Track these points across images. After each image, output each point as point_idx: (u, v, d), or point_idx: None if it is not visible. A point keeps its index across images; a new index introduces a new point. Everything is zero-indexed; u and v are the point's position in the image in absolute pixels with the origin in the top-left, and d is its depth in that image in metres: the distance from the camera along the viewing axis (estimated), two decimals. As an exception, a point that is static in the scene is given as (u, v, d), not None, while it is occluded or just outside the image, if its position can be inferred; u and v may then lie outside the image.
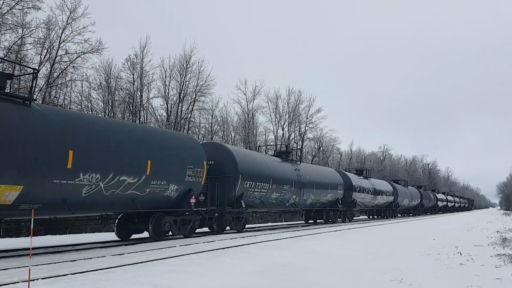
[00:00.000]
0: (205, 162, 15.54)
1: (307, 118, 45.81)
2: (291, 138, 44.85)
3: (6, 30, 20.68)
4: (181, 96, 31.10)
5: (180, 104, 31.11)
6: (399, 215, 46.79)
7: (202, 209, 15.85)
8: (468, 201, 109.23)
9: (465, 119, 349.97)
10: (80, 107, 26.41)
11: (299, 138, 45.92)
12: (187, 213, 15.15)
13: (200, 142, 20.58)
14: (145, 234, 14.83)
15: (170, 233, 14.70)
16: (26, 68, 20.22)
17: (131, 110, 28.58)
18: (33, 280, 6.44)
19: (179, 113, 30.83)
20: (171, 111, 30.70)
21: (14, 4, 20.37)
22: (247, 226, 20.32)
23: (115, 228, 14.58)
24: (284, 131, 44.10)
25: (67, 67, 23.90)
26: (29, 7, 20.81)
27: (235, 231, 18.36)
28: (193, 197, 14.99)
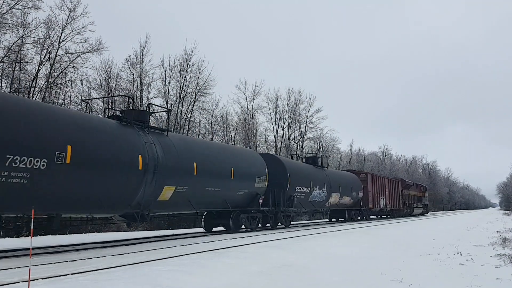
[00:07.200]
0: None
1: (307, 118, 45.90)
2: (291, 138, 44.88)
3: (6, 30, 20.69)
4: (181, 96, 31.13)
5: (180, 104, 31.15)
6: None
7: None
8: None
9: (447, 124, 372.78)
10: (80, 107, 26.41)
11: (299, 138, 45.95)
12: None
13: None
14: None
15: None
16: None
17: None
18: (33, 280, 6.43)
19: (179, 113, 30.85)
20: (171, 111, 30.71)
21: (14, 4, 20.39)
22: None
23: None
24: (284, 131, 44.17)
25: (67, 66, 23.93)
26: (29, 7, 20.83)
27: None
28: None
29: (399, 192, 40.66)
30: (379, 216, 40.27)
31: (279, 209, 20.92)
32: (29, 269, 6.34)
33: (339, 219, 32.71)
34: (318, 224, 28.03)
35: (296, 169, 23.24)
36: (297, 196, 22.52)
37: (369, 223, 28.49)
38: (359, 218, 32.60)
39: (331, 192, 26.91)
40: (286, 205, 21.31)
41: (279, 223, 21.79)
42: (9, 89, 21.73)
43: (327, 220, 33.67)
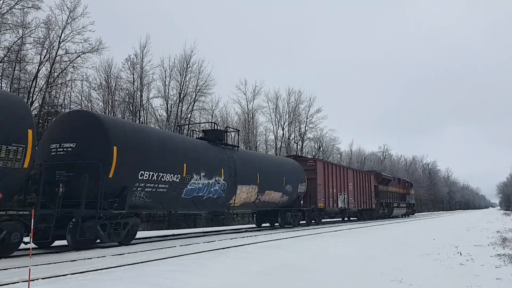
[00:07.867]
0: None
1: (307, 118, 45.94)
2: (291, 138, 44.89)
3: (6, 30, 20.70)
4: (181, 96, 31.12)
5: (180, 104, 31.14)
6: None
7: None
8: None
9: (447, 124, 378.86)
10: (80, 107, 26.42)
11: (299, 138, 45.96)
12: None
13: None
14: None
15: None
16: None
17: (131, 110, 28.59)
18: (33, 280, 6.43)
19: (179, 113, 30.84)
20: (171, 111, 30.72)
21: (14, 4, 20.40)
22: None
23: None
24: (284, 131, 44.18)
25: (67, 67, 23.95)
26: (29, 7, 20.85)
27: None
28: None
29: (371, 187, 32.77)
30: (345, 218, 32.89)
31: (79, 212, 10.94)
32: (29, 269, 6.34)
33: (275, 224, 22.19)
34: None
35: (137, 137, 12.92)
36: (147, 189, 12.92)
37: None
38: (304, 222, 23.20)
39: (238, 183, 17.35)
40: (107, 205, 11.72)
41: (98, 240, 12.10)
42: (9, 89, 21.73)
43: (254, 225, 23.33)
